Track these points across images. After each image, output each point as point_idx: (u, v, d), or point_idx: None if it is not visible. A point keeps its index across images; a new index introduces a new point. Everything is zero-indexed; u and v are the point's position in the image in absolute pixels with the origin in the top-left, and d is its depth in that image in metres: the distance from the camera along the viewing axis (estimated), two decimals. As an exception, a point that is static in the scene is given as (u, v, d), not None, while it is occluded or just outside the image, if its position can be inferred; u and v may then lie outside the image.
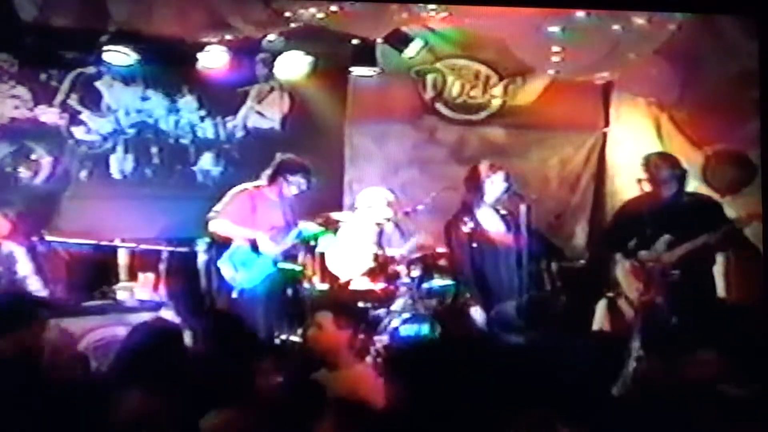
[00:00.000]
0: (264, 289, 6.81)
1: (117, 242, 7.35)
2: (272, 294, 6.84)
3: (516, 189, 6.50)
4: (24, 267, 6.45)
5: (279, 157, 7.10)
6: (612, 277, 6.61)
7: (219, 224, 6.84)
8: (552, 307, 5.53)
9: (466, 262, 6.45)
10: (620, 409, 3.12)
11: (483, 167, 6.57)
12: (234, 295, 6.74)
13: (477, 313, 6.27)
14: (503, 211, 6.54)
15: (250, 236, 6.77)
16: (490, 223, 6.51)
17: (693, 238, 6.32)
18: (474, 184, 6.52)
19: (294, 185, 6.92)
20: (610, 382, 3.46)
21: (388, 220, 7.30)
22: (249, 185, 6.98)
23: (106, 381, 3.95)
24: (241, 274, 6.79)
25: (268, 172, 7.09)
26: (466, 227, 6.43)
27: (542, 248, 6.58)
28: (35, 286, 6.39)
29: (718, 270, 6.75)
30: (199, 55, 7.80)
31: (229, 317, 5.39)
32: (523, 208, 6.46)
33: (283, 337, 6.84)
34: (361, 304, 6.96)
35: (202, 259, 7.43)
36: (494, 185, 6.48)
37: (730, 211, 6.88)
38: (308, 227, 6.90)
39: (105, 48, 7.56)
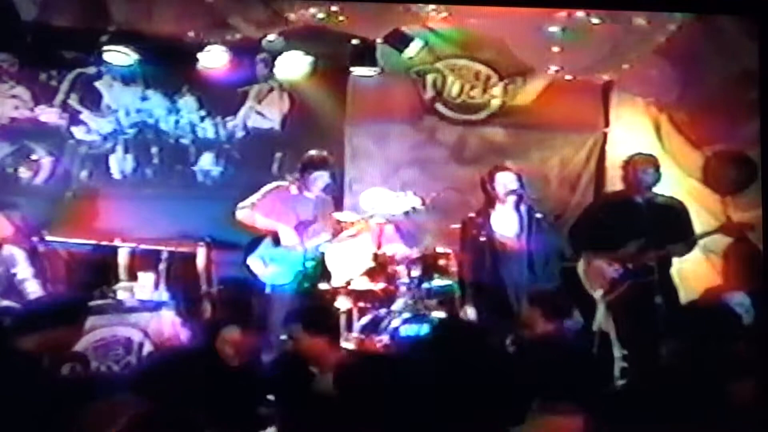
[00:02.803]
0: (293, 286, 6.78)
1: (117, 242, 7.35)
2: (300, 291, 6.80)
3: (520, 189, 6.54)
4: (23, 270, 6.44)
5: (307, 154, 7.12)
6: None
7: (247, 214, 6.85)
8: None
9: (468, 262, 6.50)
10: (614, 406, 3.13)
11: (497, 169, 6.62)
12: (267, 290, 6.71)
13: (470, 313, 6.32)
14: (517, 213, 6.57)
15: (274, 228, 6.78)
16: (505, 225, 6.53)
17: (660, 243, 6.36)
18: (489, 186, 6.57)
19: (318, 179, 6.92)
20: (604, 379, 3.48)
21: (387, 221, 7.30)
22: (283, 182, 7.05)
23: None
24: (272, 269, 6.76)
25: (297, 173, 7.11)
26: (478, 227, 6.47)
27: (542, 246, 6.58)
28: (33, 289, 6.38)
29: (706, 268, 6.79)
30: (199, 55, 7.80)
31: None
32: (523, 208, 6.50)
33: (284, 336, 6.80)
34: (361, 304, 6.98)
35: (202, 259, 7.44)
36: (507, 187, 6.51)
37: (731, 212, 6.92)
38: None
39: (105, 48, 7.56)
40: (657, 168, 6.69)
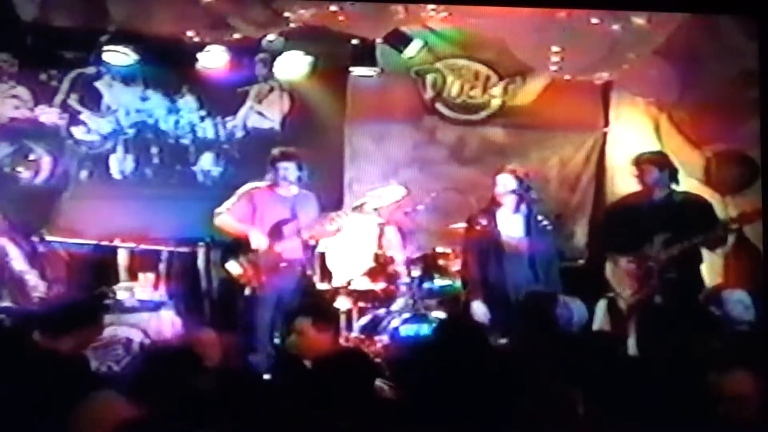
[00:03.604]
0: (273, 287, 6.71)
1: (117, 242, 7.35)
2: (282, 292, 6.77)
3: (520, 190, 6.55)
4: (17, 262, 6.46)
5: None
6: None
7: (222, 219, 6.81)
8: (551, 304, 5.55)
9: (472, 260, 6.52)
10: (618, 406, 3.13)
11: (501, 169, 6.65)
12: (246, 292, 6.67)
13: (478, 308, 6.33)
14: (520, 212, 6.58)
15: (246, 232, 6.71)
16: (508, 225, 6.54)
17: (685, 237, 6.36)
18: (492, 185, 6.59)
19: (284, 171, 6.73)
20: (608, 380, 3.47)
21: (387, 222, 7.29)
22: (259, 184, 6.88)
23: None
24: (249, 271, 6.72)
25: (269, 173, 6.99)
26: (482, 225, 6.48)
27: (544, 248, 6.58)
28: (34, 282, 6.40)
29: (706, 268, 6.79)
30: (199, 55, 7.80)
31: None
32: (524, 208, 6.51)
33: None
34: (361, 304, 6.97)
35: (202, 259, 7.43)
36: (507, 186, 6.52)
37: (731, 211, 6.92)
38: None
39: (105, 48, 7.57)
40: (667, 164, 6.70)
